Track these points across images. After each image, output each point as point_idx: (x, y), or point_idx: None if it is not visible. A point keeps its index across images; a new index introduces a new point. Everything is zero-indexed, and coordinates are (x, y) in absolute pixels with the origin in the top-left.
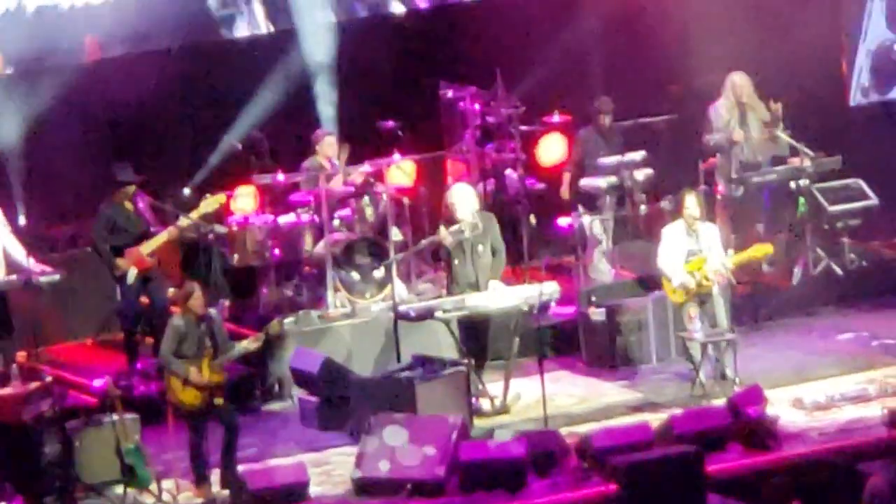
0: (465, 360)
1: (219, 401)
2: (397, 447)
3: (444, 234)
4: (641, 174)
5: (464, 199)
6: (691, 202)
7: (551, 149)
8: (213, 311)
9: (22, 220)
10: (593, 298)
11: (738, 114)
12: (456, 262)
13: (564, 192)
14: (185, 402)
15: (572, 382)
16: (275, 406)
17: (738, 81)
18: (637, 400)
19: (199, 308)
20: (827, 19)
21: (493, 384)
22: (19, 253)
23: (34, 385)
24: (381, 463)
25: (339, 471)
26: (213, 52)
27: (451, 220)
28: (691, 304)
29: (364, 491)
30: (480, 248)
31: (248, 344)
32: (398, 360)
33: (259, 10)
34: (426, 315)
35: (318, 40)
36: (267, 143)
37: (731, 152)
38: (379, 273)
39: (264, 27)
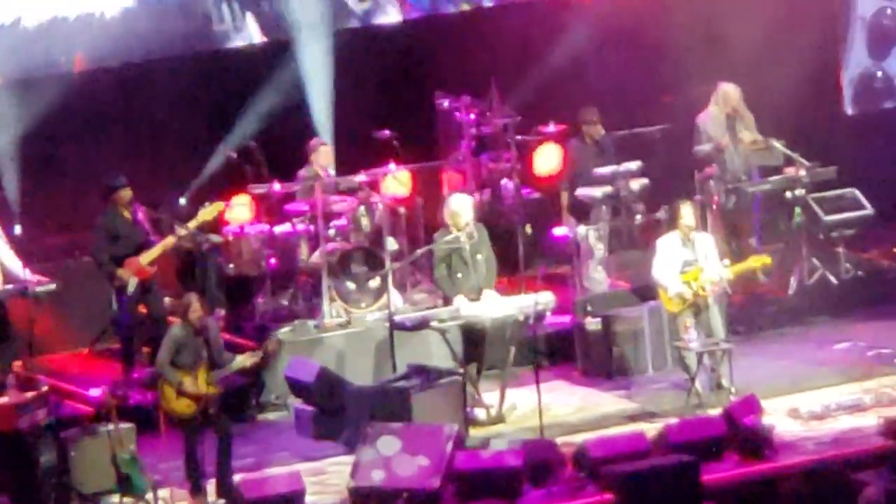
0: (461, 370)
1: (212, 410)
2: (392, 457)
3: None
4: (637, 184)
5: (464, 208)
6: (687, 212)
7: (547, 159)
8: (210, 320)
9: (18, 230)
10: (589, 308)
11: (726, 123)
12: (458, 274)
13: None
14: (178, 411)
15: (568, 392)
16: (270, 416)
17: (728, 91)
18: (633, 409)
19: (197, 319)
20: (823, 29)
21: (488, 394)
22: (15, 263)
23: (30, 394)
24: (376, 473)
25: (335, 480)
26: (208, 62)
27: (446, 231)
28: (687, 314)
29: (359, 500)
30: (479, 257)
31: (245, 360)
32: (394, 369)
33: (252, 23)
34: (422, 324)
35: (313, 50)
36: (262, 153)
37: (723, 161)
38: (374, 283)
39: (258, 38)
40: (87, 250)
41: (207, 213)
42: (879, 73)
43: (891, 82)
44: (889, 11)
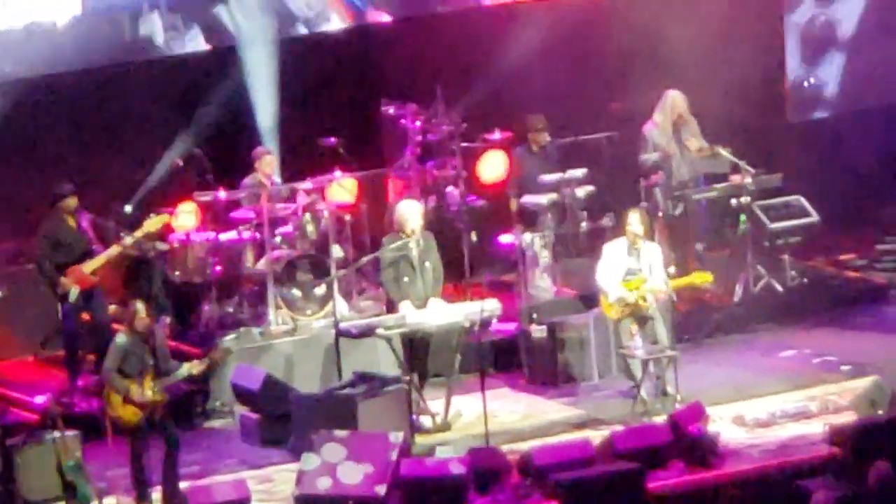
0: (407, 377)
1: (158, 418)
2: (337, 464)
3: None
4: (583, 191)
5: (413, 214)
6: (634, 219)
7: (492, 166)
8: (156, 327)
9: None
10: (534, 315)
11: (672, 131)
12: (406, 279)
13: (512, 208)
14: (124, 418)
15: (514, 399)
16: (216, 423)
17: (675, 98)
18: (578, 417)
19: (143, 326)
20: (769, 35)
21: (434, 401)
22: None
23: None
24: (321, 480)
25: (282, 488)
26: (153, 70)
27: (394, 237)
28: (630, 321)
29: None
30: (427, 264)
31: (192, 367)
32: (339, 377)
33: (197, 32)
34: (367, 332)
35: (258, 58)
36: (208, 161)
37: (669, 169)
38: (320, 290)
39: (203, 46)
40: (32, 257)
41: (152, 224)
42: (809, 82)
43: (820, 91)
44: (822, 19)
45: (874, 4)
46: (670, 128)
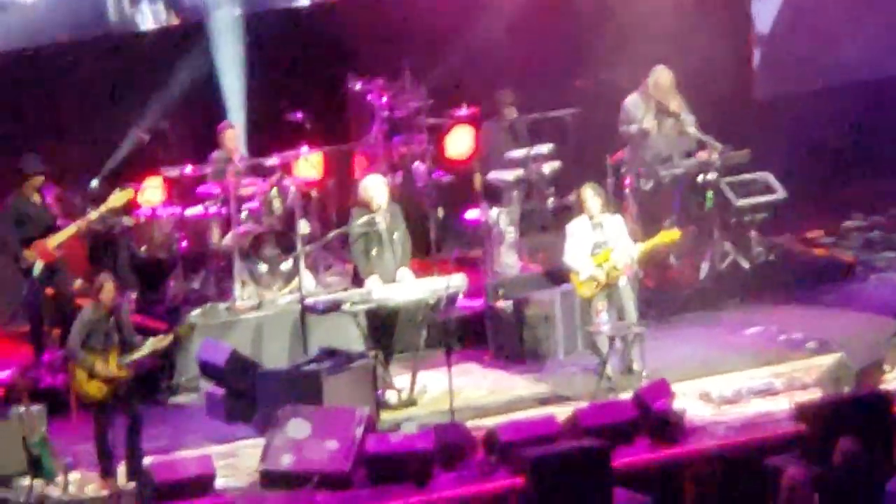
0: (373, 353)
1: (122, 393)
2: (302, 440)
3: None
4: (549, 167)
5: (379, 189)
6: (588, 195)
7: (459, 141)
8: (121, 302)
9: None
10: (501, 291)
11: (653, 106)
12: (374, 252)
13: (478, 184)
14: (89, 393)
15: (479, 375)
16: (182, 398)
17: (660, 76)
18: (544, 393)
19: (109, 301)
20: (736, 13)
21: (400, 377)
22: None
23: None
24: (286, 456)
25: (247, 463)
26: (119, 44)
27: (363, 210)
28: (599, 298)
29: (269, 484)
30: (396, 235)
31: (156, 342)
32: (305, 352)
33: (163, 5)
34: (333, 307)
35: (225, 32)
36: (174, 135)
37: (642, 145)
38: (286, 265)
39: (168, 20)
40: None
41: (116, 199)
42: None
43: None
44: None
45: None
46: (652, 102)
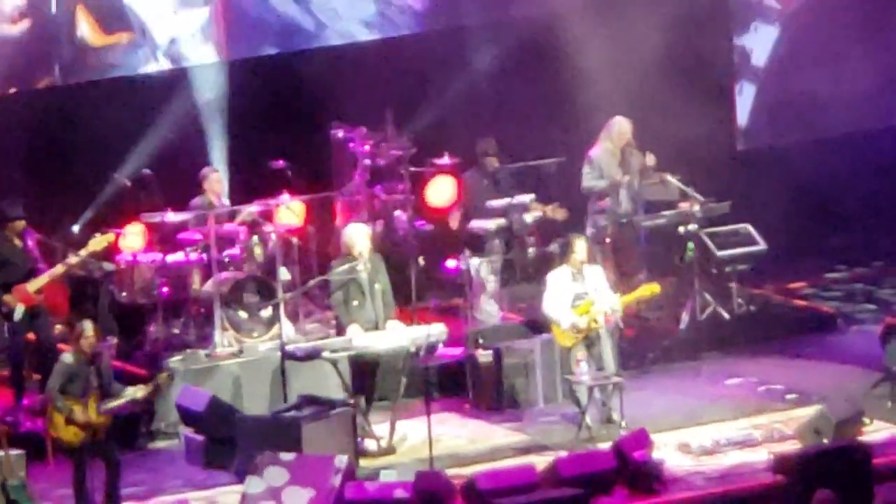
0: (353, 401)
1: (101, 438)
2: (280, 488)
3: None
4: (530, 217)
5: (361, 236)
6: (580, 247)
7: (440, 190)
8: (102, 348)
9: None
10: (481, 340)
11: (620, 157)
12: (355, 302)
13: (454, 223)
14: (66, 439)
15: (459, 424)
16: (161, 444)
17: (622, 125)
18: (523, 442)
19: (89, 347)
20: (718, 62)
21: (379, 425)
22: None
23: None
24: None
25: None
26: (103, 89)
27: (344, 259)
28: (579, 348)
29: None
30: (377, 286)
31: (136, 392)
32: (285, 399)
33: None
34: (314, 355)
35: (208, 79)
36: (156, 182)
37: (616, 197)
38: (267, 312)
39: (155, 67)
40: None
41: (97, 243)
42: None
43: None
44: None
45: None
46: (619, 153)
